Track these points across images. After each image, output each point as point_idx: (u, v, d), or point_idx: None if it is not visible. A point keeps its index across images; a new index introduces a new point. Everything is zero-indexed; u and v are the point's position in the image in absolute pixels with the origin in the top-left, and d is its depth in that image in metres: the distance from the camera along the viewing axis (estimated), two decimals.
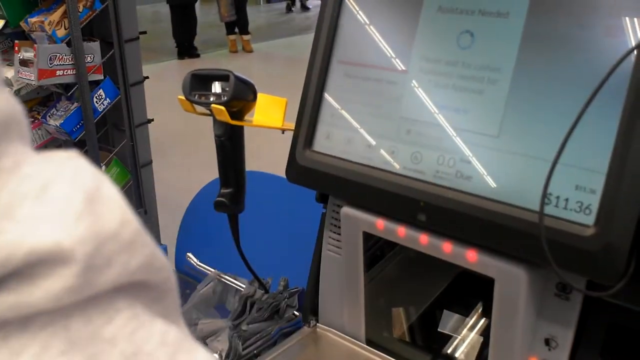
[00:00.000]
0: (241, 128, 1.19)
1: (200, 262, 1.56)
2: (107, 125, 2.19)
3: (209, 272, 1.47)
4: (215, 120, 1.17)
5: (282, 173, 1.38)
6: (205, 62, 8.16)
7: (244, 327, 1.24)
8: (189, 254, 1.50)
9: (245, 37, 8.76)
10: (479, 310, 1.16)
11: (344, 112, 1.07)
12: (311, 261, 1.24)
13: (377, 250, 1.20)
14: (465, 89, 0.94)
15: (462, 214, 0.91)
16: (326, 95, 1.09)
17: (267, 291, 1.35)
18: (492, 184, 0.90)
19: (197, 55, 8.44)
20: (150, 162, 2.22)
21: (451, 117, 0.95)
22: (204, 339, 1.16)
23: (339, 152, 1.06)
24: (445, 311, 1.20)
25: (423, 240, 0.99)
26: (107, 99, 2.08)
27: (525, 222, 0.84)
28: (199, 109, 1.18)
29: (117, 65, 2.06)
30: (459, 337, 1.15)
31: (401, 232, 1.01)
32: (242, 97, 1.14)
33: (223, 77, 1.14)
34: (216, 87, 1.15)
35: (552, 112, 0.85)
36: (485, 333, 1.12)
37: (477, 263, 0.93)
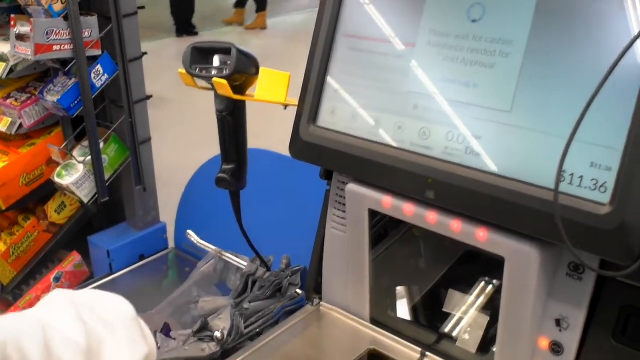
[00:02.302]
0: (243, 103, 1.16)
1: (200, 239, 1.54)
2: (106, 101, 2.15)
3: (210, 250, 1.44)
4: (216, 94, 1.14)
5: (283, 152, 1.36)
6: (203, 40, 8.07)
7: (245, 306, 1.22)
8: (189, 231, 1.48)
9: (261, 14, 8.65)
10: (486, 290, 1.14)
11: (349, 87, 1.04)
12: (314, 239, 1.22)
13: (381, 228, 1.18)
14: (476, 62, 0.91)
15: (472, 192, 0.88)
16: (331, 70, 1.06)
17: (269, 269, 1.33)
18: (504, 160, 0.87)
19: (195, 34, 8.35)
20: (149, 139, 2.18)
21: (461, 92, 0.92)
22: (206, 317, 1.14)
23: (344, 127, 1.03)
24: (450, 290, 1.18)
25: (431, 219, 0.96)
26: (106, 74, 2.04)
27: (538, 199, 0.82)
28: (200, 83, 1.15)
29: (115, 41, 2.01)
30: (465, 317, 1.13)
31: (408, 210, 0.99)
32: (244, 70, 1.11)
33: (225, 50, 1.11)
34: (218, 60, 1.12)
35: (567, 87, 0.82)
36: (492, 313, 1.10)
37: (487, 242, 0.91)
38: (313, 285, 1.21)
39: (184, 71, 1.13)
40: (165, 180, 2.54)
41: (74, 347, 0.65)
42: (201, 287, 1.45)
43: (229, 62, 1.09)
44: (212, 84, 1.12)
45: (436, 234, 0.98)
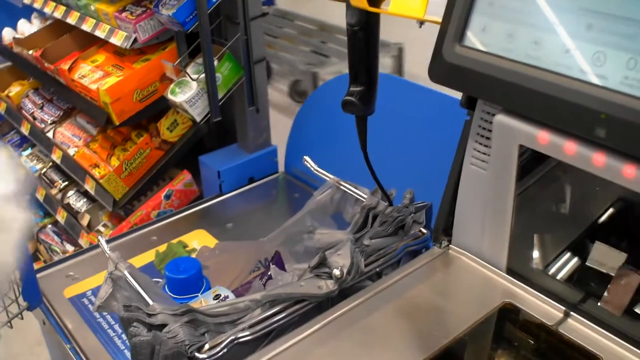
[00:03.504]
0: (377, 17, 1.03)
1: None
2: (221, 16, 2.08)
3: (327, 178, 1.35)
4: (348, 5, 1.01)
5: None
6: None
7: (366, 242, 1.13)
8: (306, 157, 1.38)
9: None
10: None
11: (506, 0, 0.89)
12: (446, 175, 1.09)
13: (521, 165, 1.04)
14: None
15: None
16: None
17: (391, 204, 1.22)
18: None
19: None
20: (264, 58, 2.10)
21: None
22: (324, 251, 1.06)
23: (498, 48, 0.89)
24: (597, 243, 1.04)
25: (598, 161, 0.81)
26: None
27: None
28: None
29: None
30: (614, 276, 0.99)
31: (570, 149, 0.84)
32: None
33: None
34: None
35: None
36: None
37: None
38: (443, 225, 1.09)
39: None
40: (276, 102, 2.47)
41: None
42: (315, 217, 1.37)
43: None
44: None
45: (586, 176, 0.83)
